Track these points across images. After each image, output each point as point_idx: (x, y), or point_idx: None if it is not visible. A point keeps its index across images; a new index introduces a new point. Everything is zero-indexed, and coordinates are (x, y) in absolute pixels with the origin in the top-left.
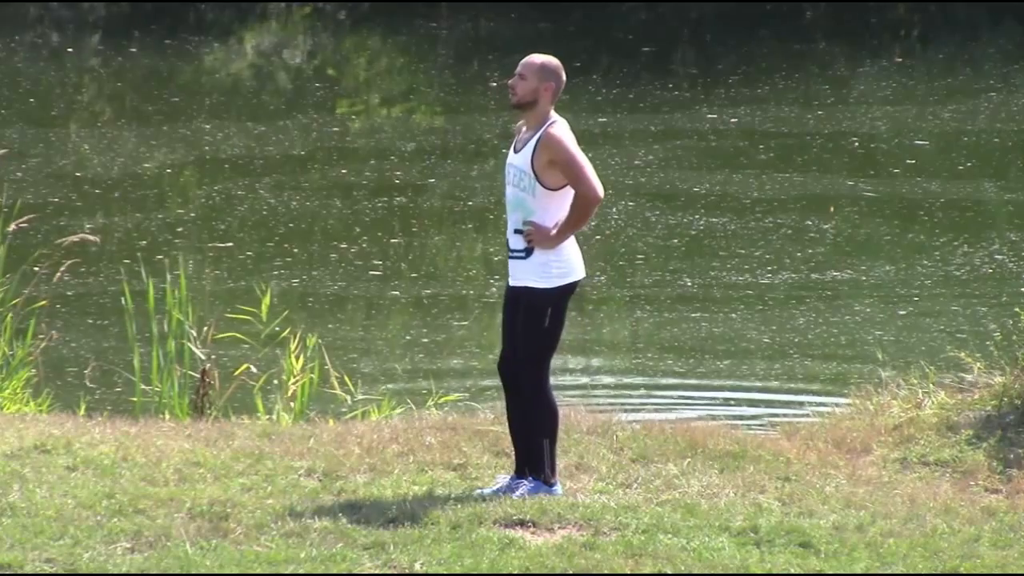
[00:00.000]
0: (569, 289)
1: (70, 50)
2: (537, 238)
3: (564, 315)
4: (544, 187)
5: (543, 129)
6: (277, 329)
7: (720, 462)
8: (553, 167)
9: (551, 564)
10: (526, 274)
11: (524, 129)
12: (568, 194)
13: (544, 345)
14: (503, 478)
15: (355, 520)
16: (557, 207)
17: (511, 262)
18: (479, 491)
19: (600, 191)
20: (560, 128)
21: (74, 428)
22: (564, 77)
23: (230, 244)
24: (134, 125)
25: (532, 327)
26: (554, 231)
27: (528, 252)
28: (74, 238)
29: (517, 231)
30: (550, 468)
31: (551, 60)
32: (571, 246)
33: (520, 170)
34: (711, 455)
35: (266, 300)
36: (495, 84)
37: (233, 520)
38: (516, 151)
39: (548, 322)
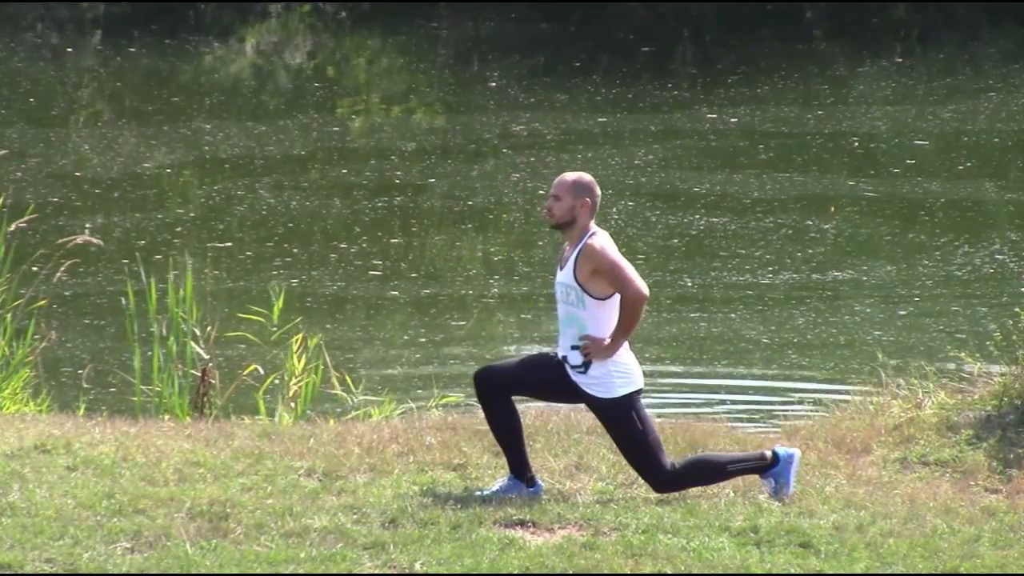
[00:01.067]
0: (636, 395)
1: (69, 50)
2: (594, 350)
3: (645, 413)
4: (593, 298)
5: (583, 242)
6: (281, 330)
7: None
8: (597, 276)
9: (551, 564)
10: (588, 386)
11: (567, 245)
12: (617, 302)
13: (650, 444)
14: (502, 480)
15: (355, 520)
16: (607, 316)
17: (573, 374)
18: (479, 492)
19: (645, 290)
20: (600, 238)
21: (74, 428)
22: (598, 191)
23: (229, 244)
24: (134, 125)
25: (630, 436)
26: (608, 340)
27: (586, 367)
28: (77, 239)
29: (574, 347)
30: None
31: (583, 176)
32: (628, 355)
33: (567, 286)
34: None
35: (279, 303)
36: (494, 84)
37: (233, 520)
38: (561, 268)
39: (640, 423)
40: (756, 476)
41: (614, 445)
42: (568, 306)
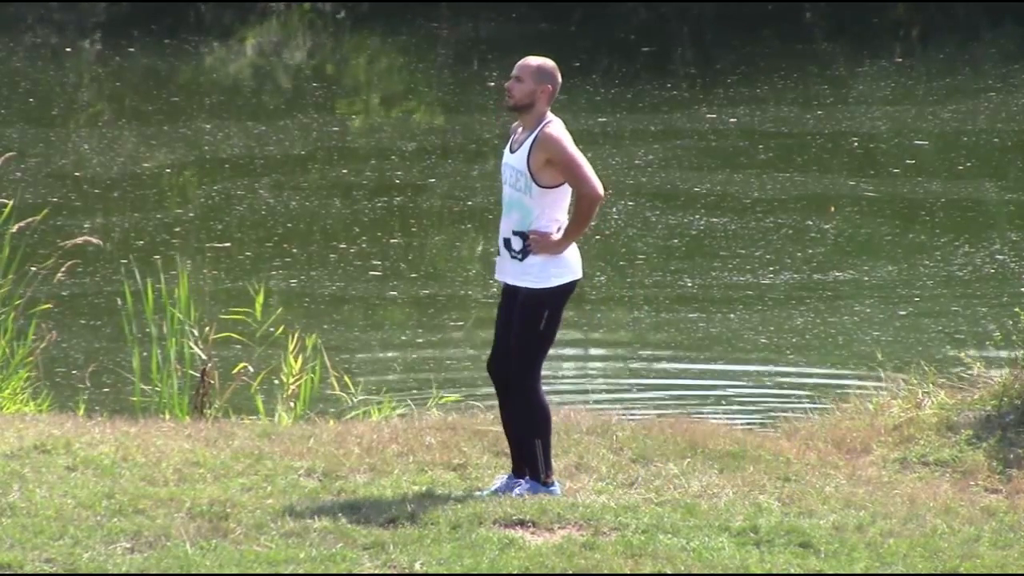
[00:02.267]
0: (567, 289)
1: (68, 50)
2: (541, 246)
3: (560, 316)
4: (540, 186)
5: (539, 129)
6: (275, 329)
7: (720, 462)
8: (550, 166)
9: (551, 564)
10: (523, 275)
11: (520, 129)
12: (565, 191)
13: (539, 347)
14: (501, 478)
15: (355, 520)
16: (553, 204)
17: (508, 262)
18: (479, 492)
19: (600, 189)
20: (557, 128)
21: (74, 428)
22: (560, 79)
23: (228, 244)
24: (134, 125)
25: (528, 328)
26: (557, 236)
27: (524, 254)
28: (78, 240)
29: (516, 232)
30: (546, 468)
31: (547, 62)
32: (571, 248)
33: (516, 170)
34: (711, 455)
35: (259, 299)
36: (493, 84)
37: (233, 520)
38: (512, 151)
39: (544, 324)
40: (747, 475)
41: (613, 445)
42: (515, 190)
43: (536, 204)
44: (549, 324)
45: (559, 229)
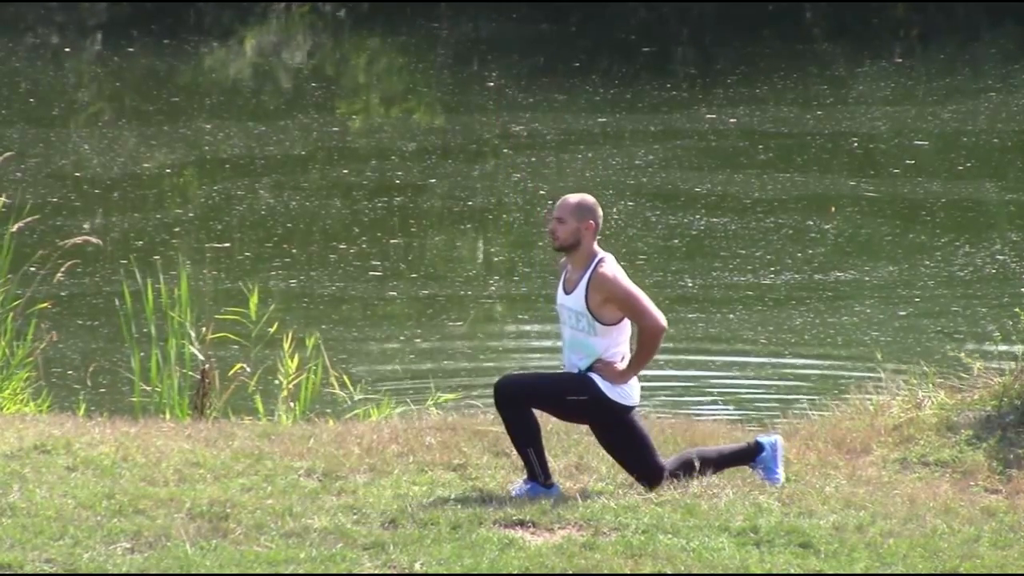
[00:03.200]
0: (616, 408)
1: (67, 50)
2: (607, 374)
3: (586, 419)
4: (603, 324)
5: (592, 269)
6: (273, 329)
7: None
8: (609, 304)
9: (551, 564)
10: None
11: (570, 268)
12: (627, 323)
13: (550, 397)
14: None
15: (355, 520)
16: (616, 339)
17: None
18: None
19: (663, 321)
20: (610, 266)
21: (74, 428)
22: (600, 212)
23: (227, 244)
24: (134, 125)
25: (562, 382)
26: (622, 365)
27: (588, 370)
28: (78, 240)
29: (582, 371)
30: (543, 472)
31: (586, 198)
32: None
33: (576, 312)
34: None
35: (253, 298)
36: (492, 85)
37: (233, 520)
38: (567, 292)
39: (573, 399)
40: (747, 475)
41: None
42: (577, 331)
43: (601, 342)
44: (575, 405)
45: (623, 359)
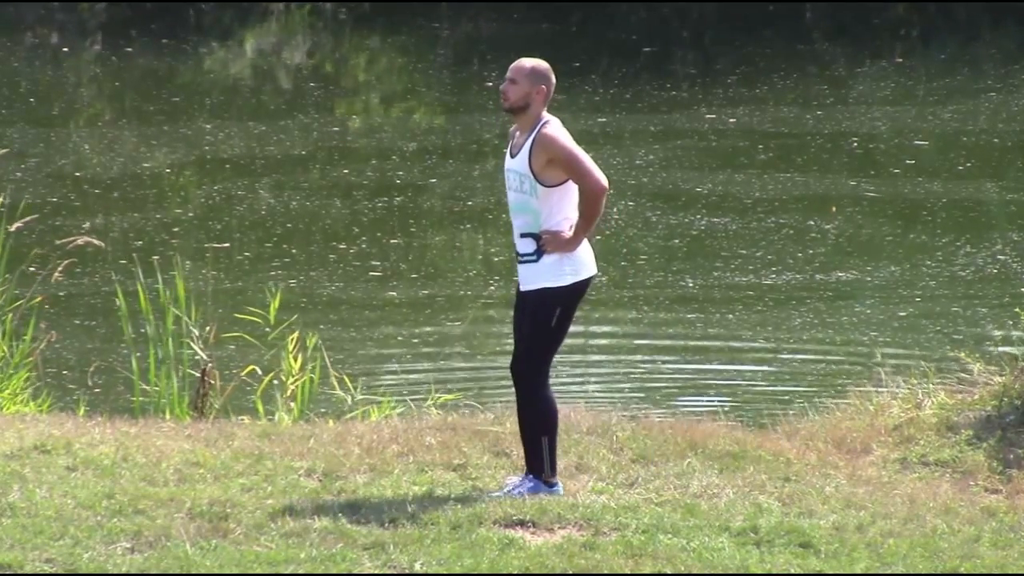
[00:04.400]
0: (581, 287)
1: (65, 50)
2: (554, 245)
3: (572, 314)
4: (545, 186)
5: (536, 130)
6: (274, 333)
7: (720, 462)
8: (552, 165)
9: (551, 564)
10: (538, 277)
11: (518, 133)
12: (571, 187)
13: (548, 344)
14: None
15: (355, 520)
16: (561, 202)
17: (521, 266)
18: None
19: (604, 181)
20: (554, 127)
21: (74, 428)
22: (554, 79)
23: (227, 244)
24: (134, 125)
25: (539, 325)
26: (569, 233)
27: (539, 255)
28: (79, 241)
29: (524, 235)
30: (550, 467)
31: (541, 64)
32: (583, 245)
33: (519, 173)
34: (711, 455)
35: (275, 303)
36: (492, 84)
37: (233, 520)
38: (512, 156)
39: (555, 321)
40: (747, 475)
41: (613, 445)
42: (520, 194)
43: (544, 204)
44: (560, 322)
45: (570, 227)
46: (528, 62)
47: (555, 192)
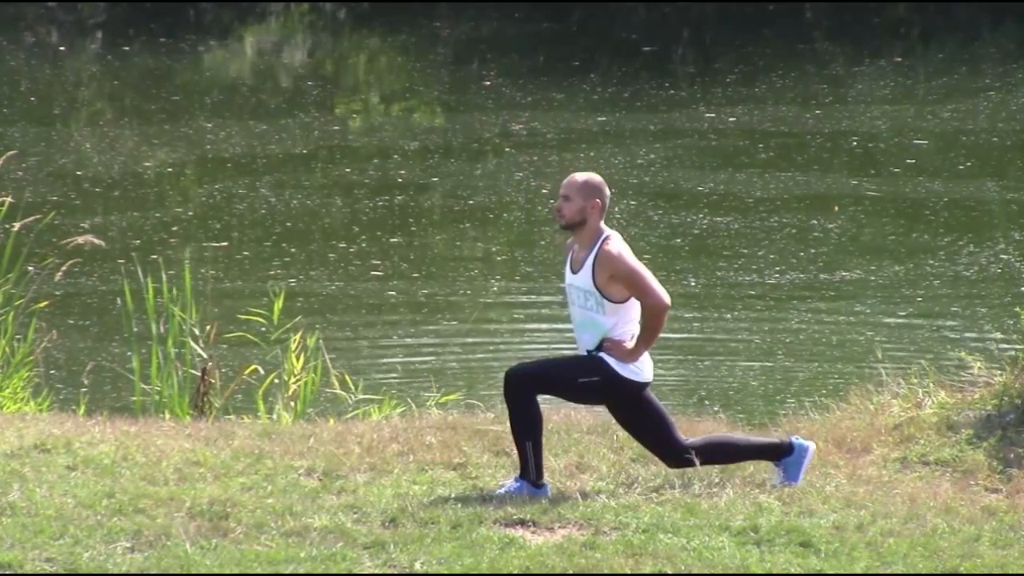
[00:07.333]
0: (633, 387)
1: (62, 49)
2: (616, 353)
3: (602, 400)
4: (612, 302)
5: (598, 247)
6: (276, 333)
7: None
8: (615, 281)
9: (551, 564)
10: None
11: (576, 247)
12: (635, 301)
13: (565, 386)
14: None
15: (355, 520)
16: (626, 316)
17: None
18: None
19: (667, 299)
20: (615, 243)
21: (74, 428)
22: (607, 191)
23: (226, 244)
24: (135, 124)
25: (572, 368)
26: (631, 344)
27: (599, 350)
28: (80, 240)
29: (589, 351)
30: (536, 470)
31: (593, 177)
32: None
33: (584, 290)
34: None
35: (278, 303)
36: (489, 84)
37: (233, 520)
38: (574, 272)
39: (587, 385)
40: (747, 475)
41: (613, 444)
42: (586, 311)
43: (610, 319)
44: (587, 390)
45: (632, 337)
46: (580, 177)
47: (622, 308)
